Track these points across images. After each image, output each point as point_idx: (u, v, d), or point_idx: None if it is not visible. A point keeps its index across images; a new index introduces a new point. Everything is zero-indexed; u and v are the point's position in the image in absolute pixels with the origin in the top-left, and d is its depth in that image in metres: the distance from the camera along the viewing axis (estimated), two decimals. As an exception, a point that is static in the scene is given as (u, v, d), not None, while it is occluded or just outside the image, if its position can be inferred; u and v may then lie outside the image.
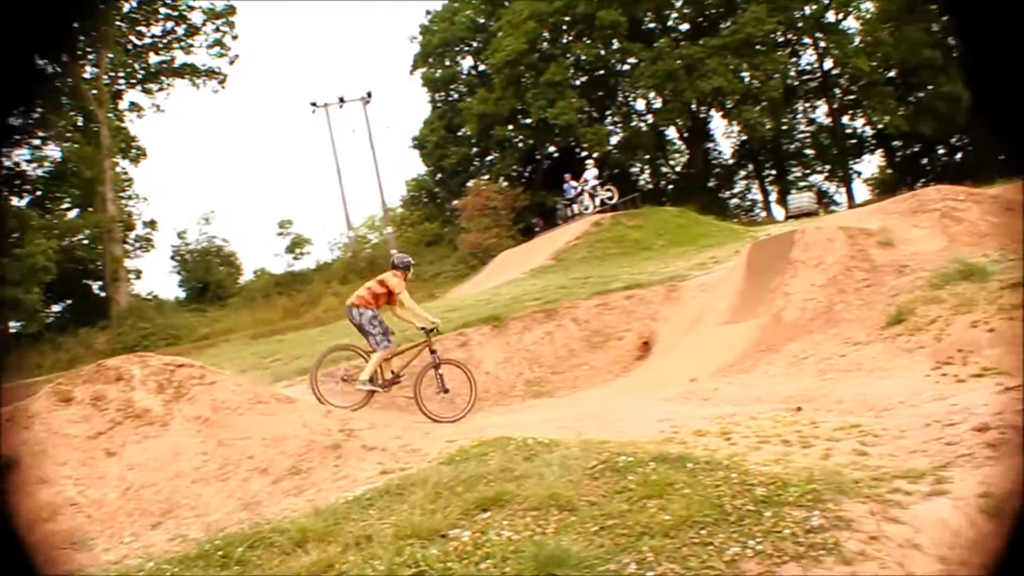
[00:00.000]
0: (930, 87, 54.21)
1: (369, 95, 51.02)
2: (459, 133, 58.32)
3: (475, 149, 58.12)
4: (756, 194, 61.46)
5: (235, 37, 54.66)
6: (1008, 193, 18.87)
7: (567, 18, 53.45)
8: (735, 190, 62.17)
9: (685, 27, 57.51)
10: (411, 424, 11.41)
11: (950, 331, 10.76)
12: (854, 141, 61.20)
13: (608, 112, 58.10)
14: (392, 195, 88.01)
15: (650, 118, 57.10)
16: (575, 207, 38.63)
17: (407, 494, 6.65)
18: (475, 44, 59.32)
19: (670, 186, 58.49)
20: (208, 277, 53.00)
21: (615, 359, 18.19)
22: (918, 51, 52.74)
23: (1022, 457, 6.21)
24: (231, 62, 55.50)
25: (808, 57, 59.57)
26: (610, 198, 37.65)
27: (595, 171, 38.88)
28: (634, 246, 30.00)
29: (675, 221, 33.48)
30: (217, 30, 54.00)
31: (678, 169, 60.88)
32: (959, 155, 62.27)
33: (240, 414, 9.08)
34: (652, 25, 57.13)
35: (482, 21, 58.76)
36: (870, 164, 67.02)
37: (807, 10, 56.69)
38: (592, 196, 37.76)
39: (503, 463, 7.19)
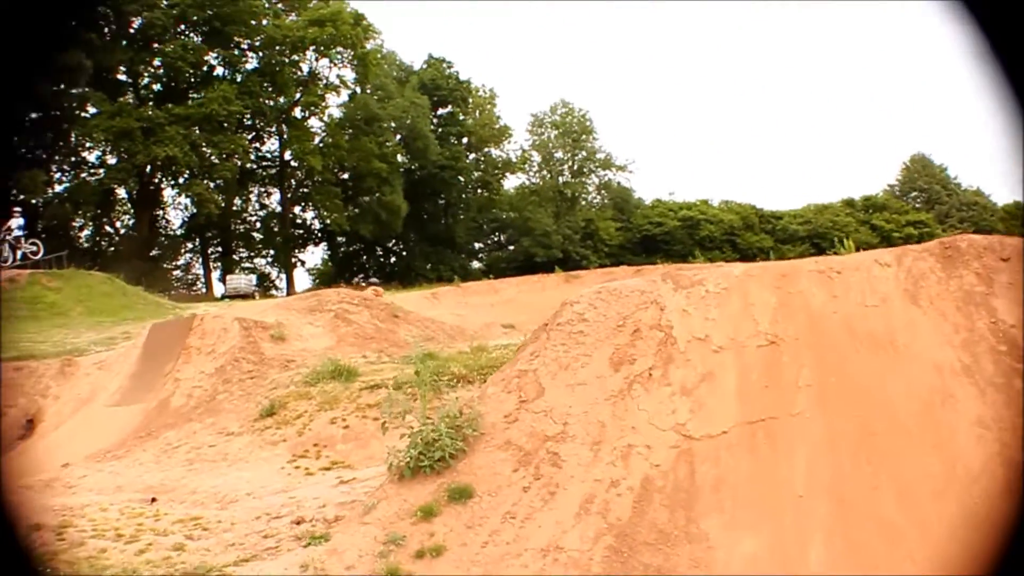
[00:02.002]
0: (376, 195, 59.18)
1: None
2: None
3: None
4: (201, 269, 60.82)
5: None
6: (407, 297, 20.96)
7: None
8: (180, 262, 61.29)
9: (158, 87, 55.77)
10: None
11: (312, 426, 11.57)
12: (302, 232, 64.30)
13: (57, 158, 53.78)
14: None
15: (100, 173, 53.86)
16: (-7, 258, 34.72)
17: None
18: None
19: (111, 248, 55.51)
20: None
21: (-8, 438, 16.49)
22: (369, 160, 57.55)
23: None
24: None
25: (272, 144, 61.46)
26: (34, 252, 34.43)
27: (20, 220, 35.39)
28: (48, 310, 27.68)
29: (100, 288, 31.52)
30: None
31: (123, 231, 57.96)
32: (393, 258, 68.93)
33: None
34: (124, 77, 54.69)
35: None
36: (314, 255, 70.80)
37: (278, 101, 58.87)
38: (14, 248, 34.25)
39: None
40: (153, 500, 9.73)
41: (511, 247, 72.67)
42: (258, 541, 7.34)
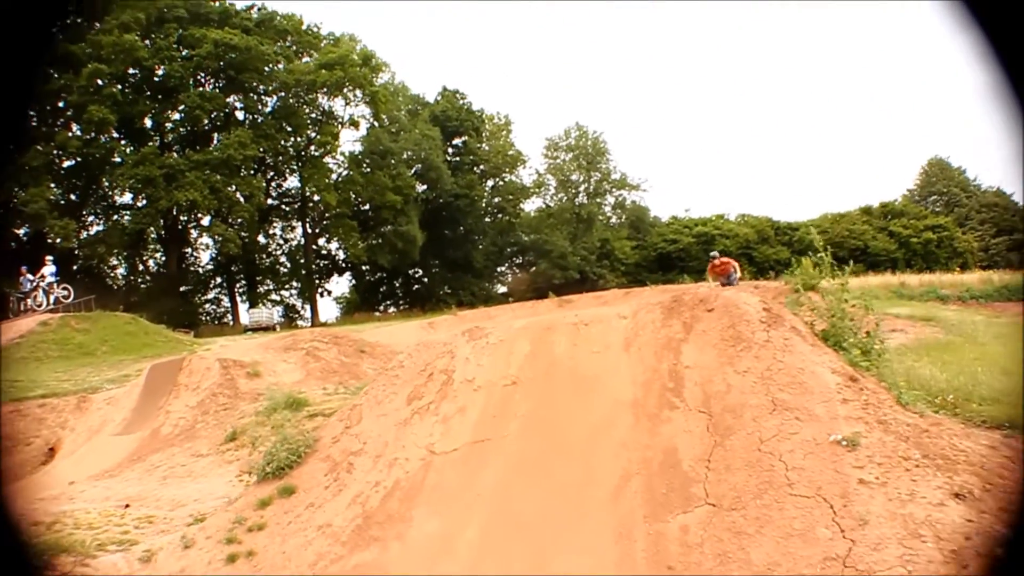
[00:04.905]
0: (392, 226, 62.13)
1: None
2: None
3: (-67, 218, 53.70)
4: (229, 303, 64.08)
5: None
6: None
7: (59, 103, 52.79)
8: (209, 296, 64.64)
9: (183, 132, 59.00)
10: None
11: (261, 448, 14.28)
12: (327, 263, 67.41)
13: (90, 202, 57.33)
14: None
15: (129, 216, 57.31)
16: (29, 302, 37.97)
17: None
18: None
19: (144, 285, 59.03)
20: None
21: (20, 463, 19.44)
22: (384, 193, 60.49)
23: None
24: None
25: (293, 181, 64.69)
26: (66, 296, 37.67)
27: (53, 267, 38.68)
28: (76, 350, 30.63)
29: (124, 328, 34.48)
30: None
31: (155, 270, 61.43)
32: (416, 285, 71.76)
33: None
34: (149, 125, 57.97)
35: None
36: (339, 285, 73.85)
37: (296, 140, 62.23)
38: (47, 293, 37.49)
39: None
40: (127, 506, 12.51)
41: (532, 270, 74.84)
42: (180, 529, 10.11)
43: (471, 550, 7.21)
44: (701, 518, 6.48)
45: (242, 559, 8.26)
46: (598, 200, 79.48)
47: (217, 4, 59.12)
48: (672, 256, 76.70)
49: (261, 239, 63.09)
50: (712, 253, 26.66)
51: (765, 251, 77.35)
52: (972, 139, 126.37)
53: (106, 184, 55.96)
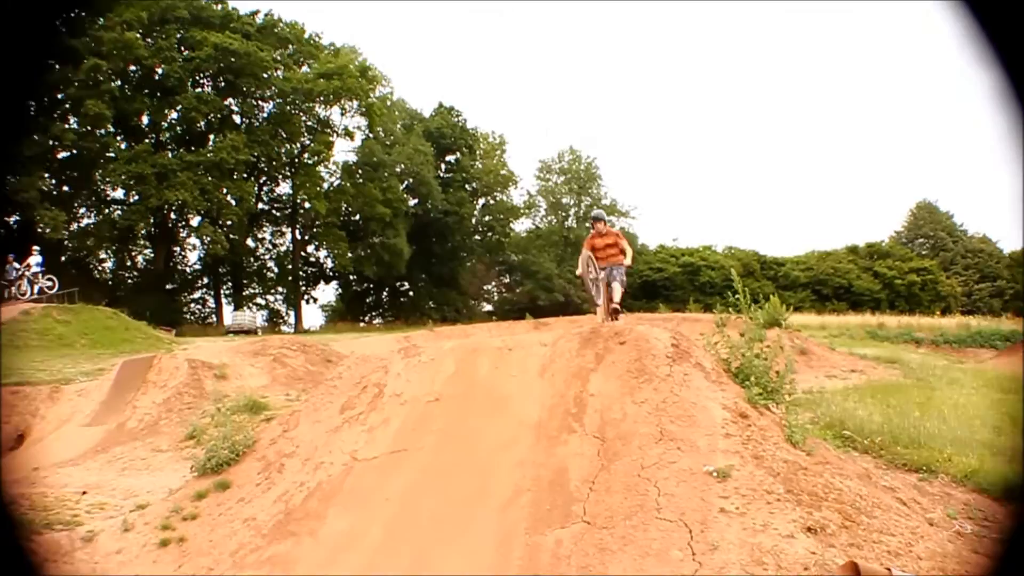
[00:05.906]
0: (379, 238, 62.88)
1: None
2: (-97, 179, 54.13)
3: (-80, 203, 54.27)
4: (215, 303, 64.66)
5: None
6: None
7: (57, 95, 53.44)
8: (195, 296, 65.23)
9: (179, 131, 59.51)
10: None
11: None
12: (315, 270, 68.12)
13: (82, 194, 57.80)
14: None
15: (119, 211, 57.86)
16: (13, 290, 38.55)
17: None
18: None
19: (130, 280, 59.66)
20: None
21: (-10, 447, 20.15)
22: (374, 205, 61.23)
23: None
24: None
25: (286, 187, 65.66)
26: (50, 287, 38.33)
27: (39, 258, 39.40)
28: (56, 341, 31.24)
29: (106, 322, 35.17)
30: None
31: (143, 266, 61.96)
32: (402, 298, 72.52)
33: None
34: (146, 121, 58.66)
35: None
36: (326, 292, 74.62)
37: (290, 147, 63.13)
38: (32, 282, 38.13)
39: None
40: (84, 492, 13.26)
41: (517, 290, 75.54)
42: (125, 515, 10.86)
43: (372, 547, 7.97)
44: (575, 534, 7.23)
45: (173, 544, 9.05)
46: (587, 224, 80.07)
47: (219, 8, 59.96)
48: (657, 284, 77.50)
49: (250, 243, 63.81)
50: (595, 212, 16.85)
51: (750, 284, 76.39)
52: (961, 184, 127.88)
53: (99, 178, 56.43)
